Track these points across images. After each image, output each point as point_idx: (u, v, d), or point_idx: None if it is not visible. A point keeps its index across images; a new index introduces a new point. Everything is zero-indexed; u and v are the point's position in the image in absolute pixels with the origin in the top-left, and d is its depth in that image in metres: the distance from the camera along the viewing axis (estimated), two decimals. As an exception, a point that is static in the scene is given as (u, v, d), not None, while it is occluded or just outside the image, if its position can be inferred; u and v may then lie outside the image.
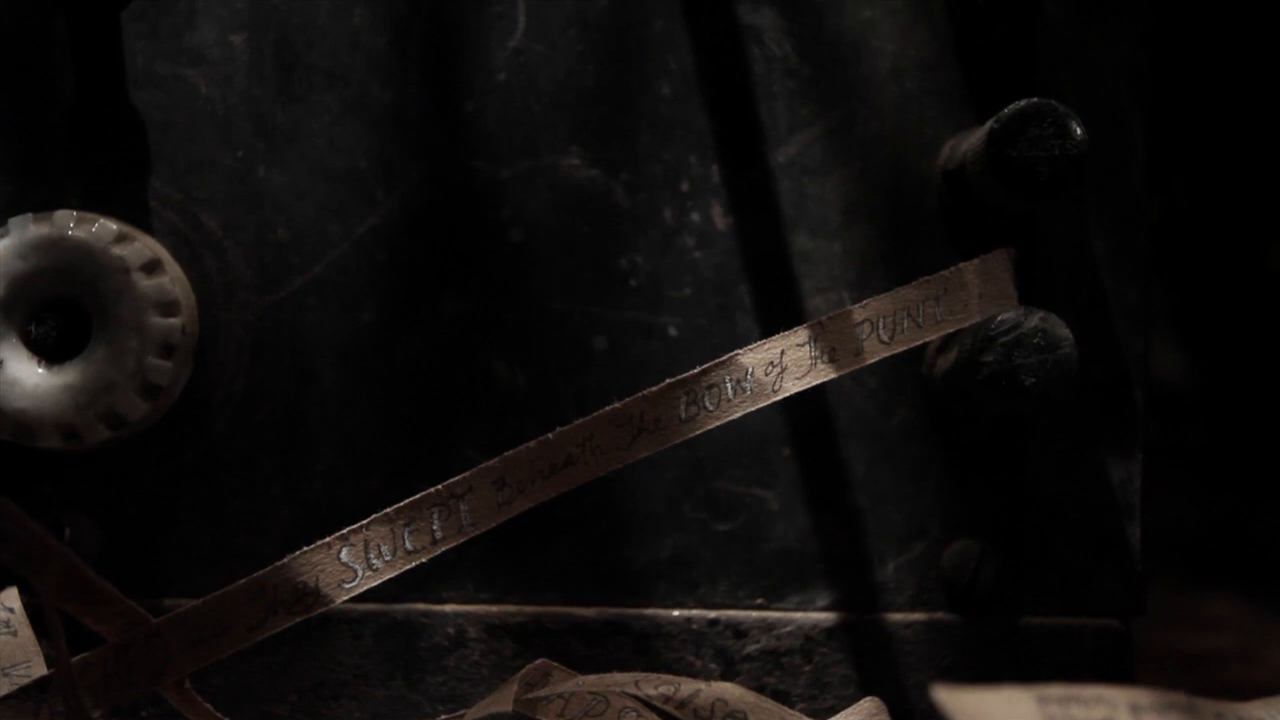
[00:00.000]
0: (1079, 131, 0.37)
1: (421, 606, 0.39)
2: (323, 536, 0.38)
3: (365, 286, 0.39)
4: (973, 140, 0.38)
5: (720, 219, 0.40)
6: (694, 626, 0.40)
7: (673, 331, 0.40)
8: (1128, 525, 0.41)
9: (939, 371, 0.39)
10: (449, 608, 0.39)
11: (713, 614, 0.40)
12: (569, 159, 0.40)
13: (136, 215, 0.39)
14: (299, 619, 0.34)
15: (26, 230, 0.37)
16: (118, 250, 0.37)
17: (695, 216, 0.40)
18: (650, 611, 0.40)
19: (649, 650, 0.39)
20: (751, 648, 0.40)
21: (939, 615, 0.40)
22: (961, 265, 0.37)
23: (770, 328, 0.40)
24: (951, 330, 0.37)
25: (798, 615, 0.40)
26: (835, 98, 0.40)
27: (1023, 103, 0.37)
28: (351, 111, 0.40)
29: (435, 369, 0.40)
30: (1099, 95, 0.41)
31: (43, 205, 0.38)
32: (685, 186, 0.40)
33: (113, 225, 0.37)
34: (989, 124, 0.37)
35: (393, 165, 0.40)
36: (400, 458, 0.39)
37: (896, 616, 0.40)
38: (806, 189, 0.40)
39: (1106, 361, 0.41)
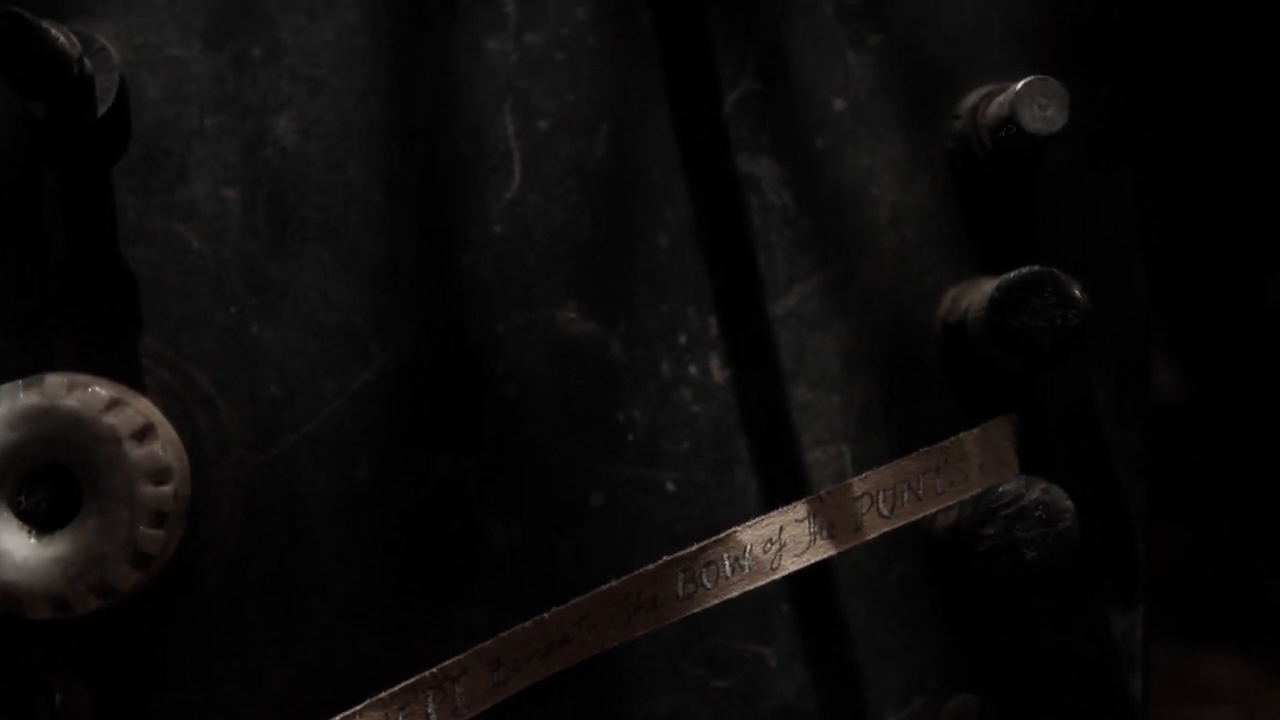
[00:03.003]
0: (1081, 299, 0.36)
1: (417, 767, 0.39)
2: (317, 697, 0.38)
3: (359, 443, 0.39)
4: (974, 300, 0.38)
5: (718, 371, 0.40)
6: (692, 785, 0.39)
7: (670, 486, 0.40)
8: (1129, 676, 0.41)
9: (940, 527, 0.39)
10: (444, 768, 0.39)
11: (711, 771, 0.40)
12: (565, 312, 0.39)
13: (128, 373, 0.39)
14: (292, 808, 0.34)
15: (16, 400, 0.36)
16: (109, 419, 0.36)
17: (693, 369, 0.40)
18: (647, 770, 0.39)
19: (646, 810, 0.39)
20: (750, 805, 0.40)
21: (939, 770, 0.40)
22: (962, 435, 0.37)
23: (769, 482, 0.40)
24: (951, 503, 0.36)
25: (796, 772, 0.40)
26: (835, 247, 0.40)
27: (1025, 271, 0.37)
28: (345, 266, 0.39)
29: (430, 526, 0.39)
30: (1100, 244, 0.40)
31: (33, 364, 0.38)
32: (683, 339, 0.40)
33: (103, 392, 0.37)
34: (990, 290, 0.37)
35: (387, 320, 0.39)
36: (395, 617, 0.39)
37: (896, 772, 0.40)
38: (806, 340, 0.40)
39: (1107, 510, 0.40)
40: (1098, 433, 0.40)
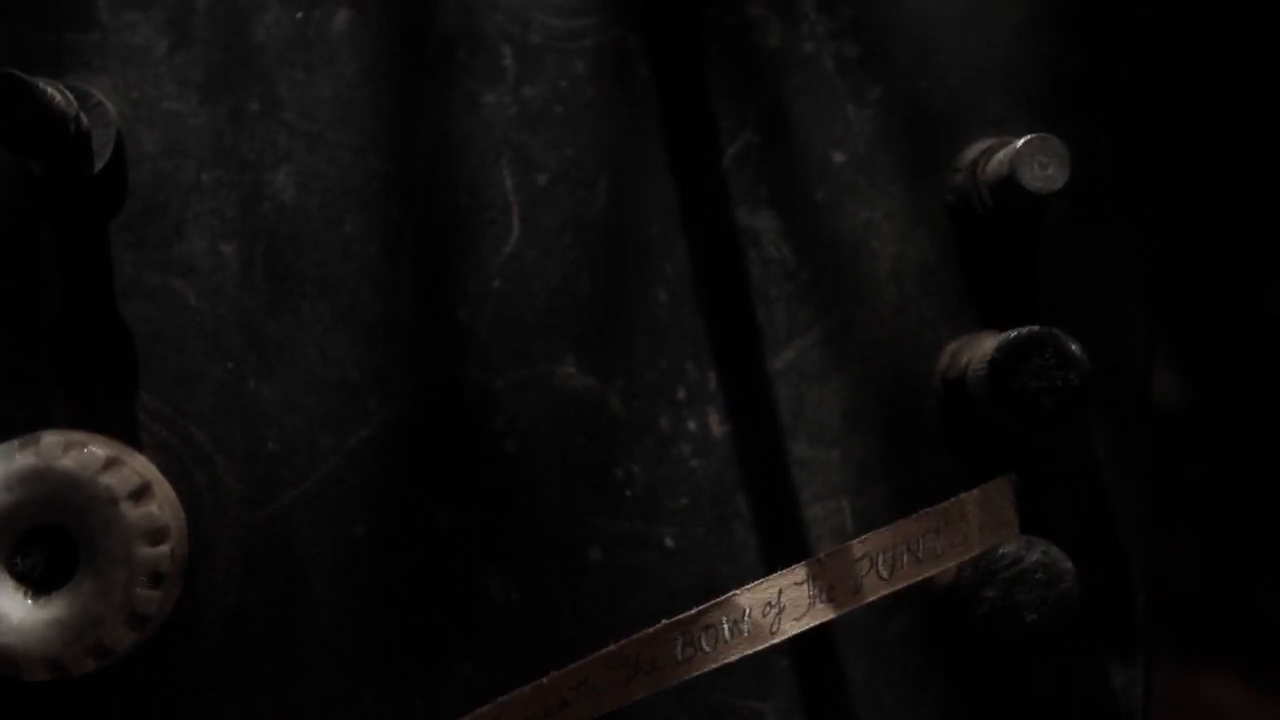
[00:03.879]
0: (1082, 359, 0.36)
1: (415, 825, 0.39)
2: (314, 754, 0.38)
3: (357, 499, 0.39)
4: (974, 356, 0.38)
5: (717, 426, 0.40)
6: (690, 842, 0.39)
7: (669, 542, 0.39)
8: (1129, 731, 0.40)
9: (939, 586, 0.39)
10: (443, 826, 0.39)
11: (709, 828, 0.39)
12: (564, 367, 0.39)
13: (125, 430, 0.38)
14: None
15: (12, 460, 0.36)
16: (105, 479, 0.36)
17: (692, 424, 0.40)
18: (646, 827, 0.39)
19: None
20: None
21: (938, 826, 0.40)
22: (962, 496, 0.36)
23: (769, 538, 0.39)
24: (951, 564, 0.36)
25: (795, 828, 0.39)
26: (834, 301, 0.40)
27: (1024, 331, 0.36)
28: (343, 321, 0.39)
29: (429, 583, 0.39)
30: (1100, 299, 0.40)
31: (30, 421, 0.38)
32: (682, 394, 0.40)
33: (100, 452, 0.36)
34: (990, 350, 0.37)
35: (385, 376, 0.39)
36: (394, 674, 0.39)
37: (895, 827, 0.40)
38: (805, 395, 0.40)
39: (1108, 564, 0.40)
40: (1098, 489, 0.40)
